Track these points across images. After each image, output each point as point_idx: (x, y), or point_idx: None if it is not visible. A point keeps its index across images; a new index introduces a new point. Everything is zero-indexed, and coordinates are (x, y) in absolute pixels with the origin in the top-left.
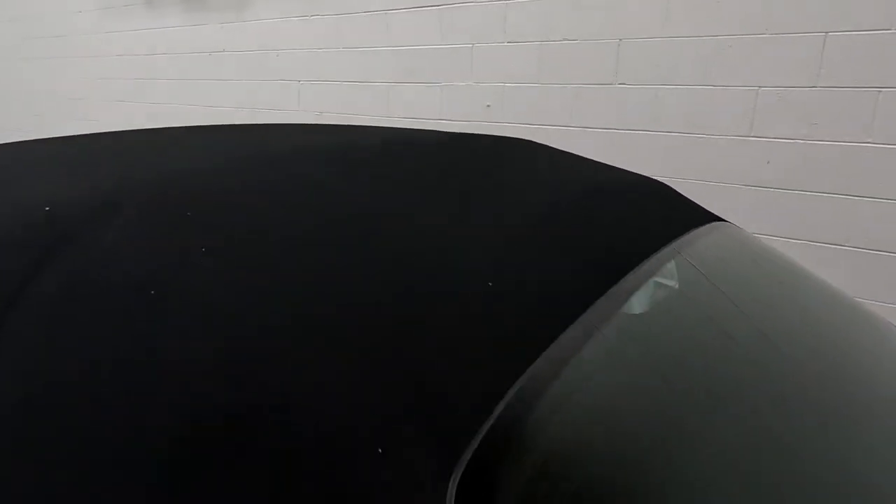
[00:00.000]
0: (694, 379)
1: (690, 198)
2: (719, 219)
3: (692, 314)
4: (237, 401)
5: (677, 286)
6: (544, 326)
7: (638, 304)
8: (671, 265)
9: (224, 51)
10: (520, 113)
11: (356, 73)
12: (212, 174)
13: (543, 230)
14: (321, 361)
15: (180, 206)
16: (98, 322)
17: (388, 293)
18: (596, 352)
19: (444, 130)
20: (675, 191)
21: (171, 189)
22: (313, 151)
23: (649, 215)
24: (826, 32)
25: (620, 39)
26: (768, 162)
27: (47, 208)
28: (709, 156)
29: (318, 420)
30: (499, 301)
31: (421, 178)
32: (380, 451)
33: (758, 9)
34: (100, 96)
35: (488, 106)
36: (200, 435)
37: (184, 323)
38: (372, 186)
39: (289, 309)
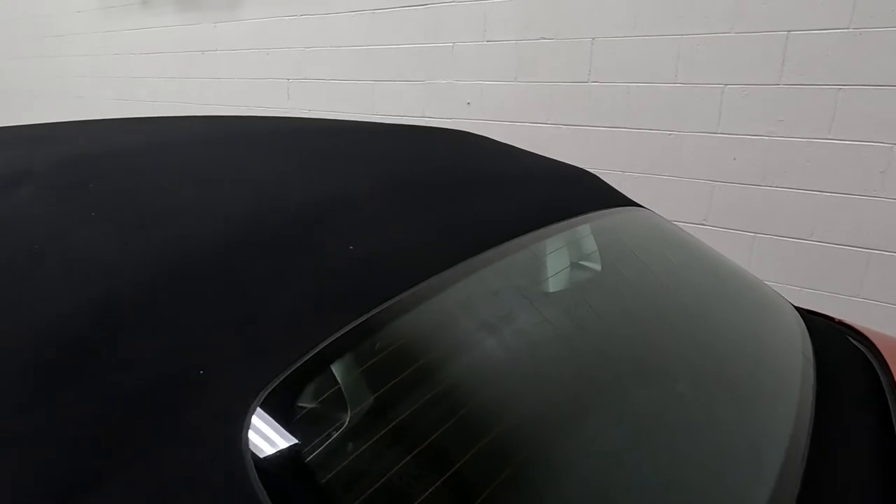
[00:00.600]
0: (525, 344)
1: (660, 192)
2: (638, 205)
3: (597, 288)
4: (78, 333)
5: (571, 257)
6: (388, 284)
7: (519, 268)
8: (568, 237)
9: (217, 49)
10: (498, 110)
11: (343, 72)
12: (115, 156)
13: (430, 201)
14: (174, 299)
15: (84, 179)
16: None
17: (248, 233)
18: (433, 308)
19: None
20: (600, 179)
21: (78, 164)
22: (213, 137)
23: (560, 194)
24: (788, 31)
25: (594, 38)
26: (735, 158)
27: None
28: (678, 152)
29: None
30: (353, 259)
31: (324, 154)
32: (201, 372)
33: (724, 9)
34: (97, 94)
35: (468, 104)
36: (47, 360)
37: (54, 268)
38: (263, 161)
39: (149, 255)
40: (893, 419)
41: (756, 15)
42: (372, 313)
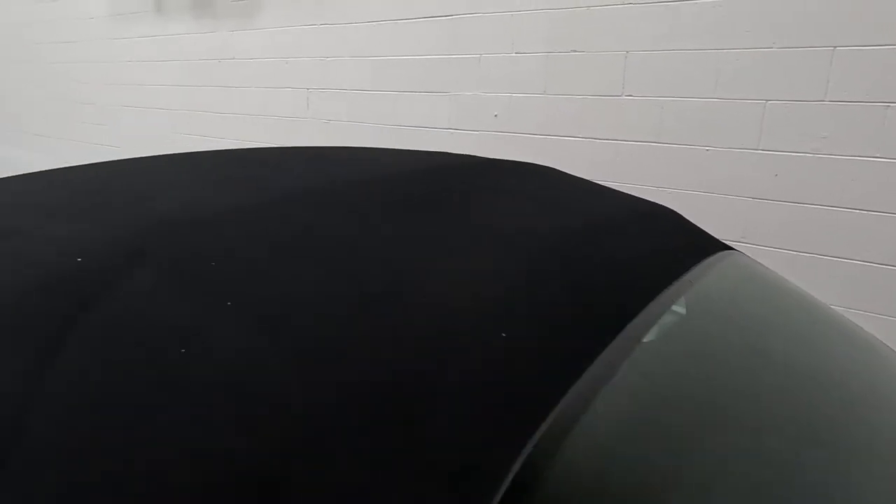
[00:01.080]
0: (714, 416)
1: (695, 209)
2: (727, 247)
3: (705, 348)
4: (262, 459)
5: (688, 319)
6: (556, 377)
7: (651, 341)
8: (683, 299)
9: (234, 58)
10: (527, 123)
11: (365, 82)
12: (228, 220)
13: (552, 269)
14: (335, 423)
15: (203, 258)
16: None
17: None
18: (613, 398)
19: (464, 154)
20: (683, 218)
21: (191, 239)
22: (322, 193)
23: (660, 246)
24: (834, 47)
25: (627, 52)
26: (776, 175)
27: (79, 259)
28: (715, 169)
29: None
30: (512, 352)
31: (438, 214)
32: None
33: (766, 22)
34: (110, 102)
35: (496, 116)
36: (220, 486)
37: (210, 376)
38: (381, 233)
39: (315, 371)
40: None
41: (800, 30)
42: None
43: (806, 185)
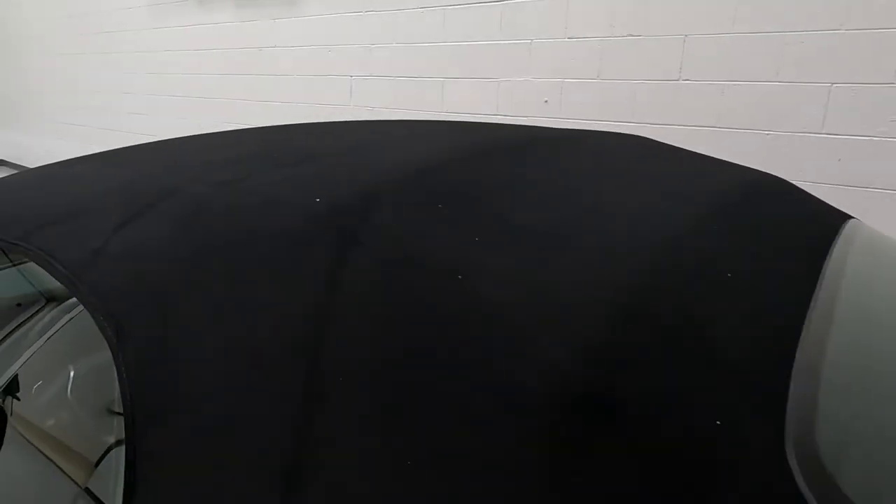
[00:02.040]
0: None
1: None
2: (851, 216)
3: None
4: (598, 393)
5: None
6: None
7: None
8: (843, 266)
9: (276, 46)
10: (579, 109)
11: (410, 69)
12: (444, 169)
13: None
14: (662, 366)
15: (430, 200)
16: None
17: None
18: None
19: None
20: (798, 188)
21: (416, 184)
22: (511, 147)
23: (800, 214)
24: None
25: (686, 35)
26: (839, 160)
27: (317, 200)
28: (777, 154)
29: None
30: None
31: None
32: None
33: (832, 3)
34: (150, 91)
35: (546, 102)
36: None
37: (488, 301)
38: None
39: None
40: None
41: (868, 11)
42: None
43: (870, 169)
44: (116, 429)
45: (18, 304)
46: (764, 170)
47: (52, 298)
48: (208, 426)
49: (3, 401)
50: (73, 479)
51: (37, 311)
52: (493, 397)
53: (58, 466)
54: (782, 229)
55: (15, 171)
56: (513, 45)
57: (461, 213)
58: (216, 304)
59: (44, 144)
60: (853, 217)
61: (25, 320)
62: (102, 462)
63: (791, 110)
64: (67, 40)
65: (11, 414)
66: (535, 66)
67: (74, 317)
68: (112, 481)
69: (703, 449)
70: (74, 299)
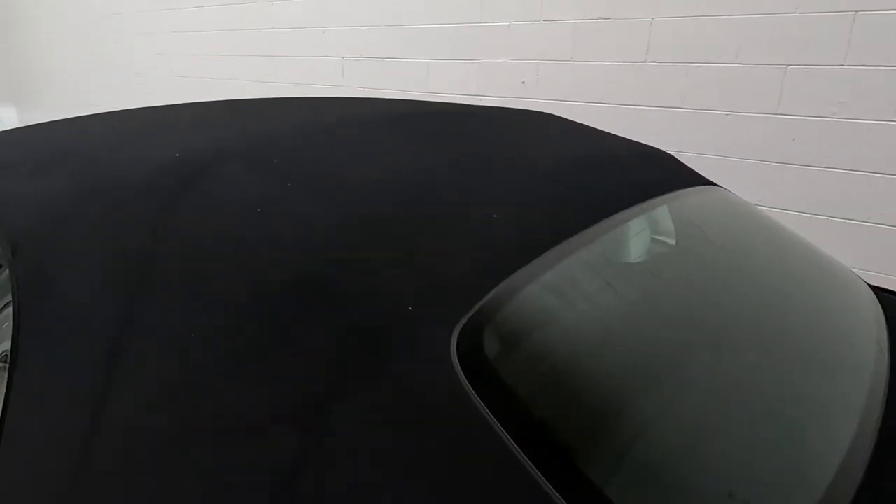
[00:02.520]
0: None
1: (716, 173)
2: (714, 184)
3: (664, 256)
4: (307, 278)
5: (657, 233)
6: (530, 246)
7: (619, 243)
8: (654, 214)
9: (273, 28)
10: (554, 89)
11: (398, 51)
12: (283, 137)
13: (543, 182)
14: (373, 254)
15: (268, 158)
16: (223, 228)
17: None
18: (571, 266)
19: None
20: (676, 158)
21: (259, 147)
22: (359, 120)
23: (643, 175)
24: (856, 11)
25: (653, 18)
26: (794, 139)
27: (177, 154)
28: (735, 133)
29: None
30: (500, 224)
31: (453, 140)
32: (410, 308)
33: None
34: (156, 72)
35: (523, 83)
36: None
37: (279, 228)
38: (413, 142)
39: (349, 215)
40: None
41: None
42: (533, 261)
43: (822, 148)
44: None
45: None
46: (722, 149)
47: None
48: (74, 317)
49: None
50: None
51: None
52: (248, 285)
53: None
54: (602, 185)
55: None
56: (492, 26)
57: (285, 168)
58: (86, 231)
59: None
60: (717, 185)
61: None
62: None
63: (749, 91)
64: (78, 19)
65: None
66: (513, 47)
67: None
68: None
69: (392, 327)
70: None
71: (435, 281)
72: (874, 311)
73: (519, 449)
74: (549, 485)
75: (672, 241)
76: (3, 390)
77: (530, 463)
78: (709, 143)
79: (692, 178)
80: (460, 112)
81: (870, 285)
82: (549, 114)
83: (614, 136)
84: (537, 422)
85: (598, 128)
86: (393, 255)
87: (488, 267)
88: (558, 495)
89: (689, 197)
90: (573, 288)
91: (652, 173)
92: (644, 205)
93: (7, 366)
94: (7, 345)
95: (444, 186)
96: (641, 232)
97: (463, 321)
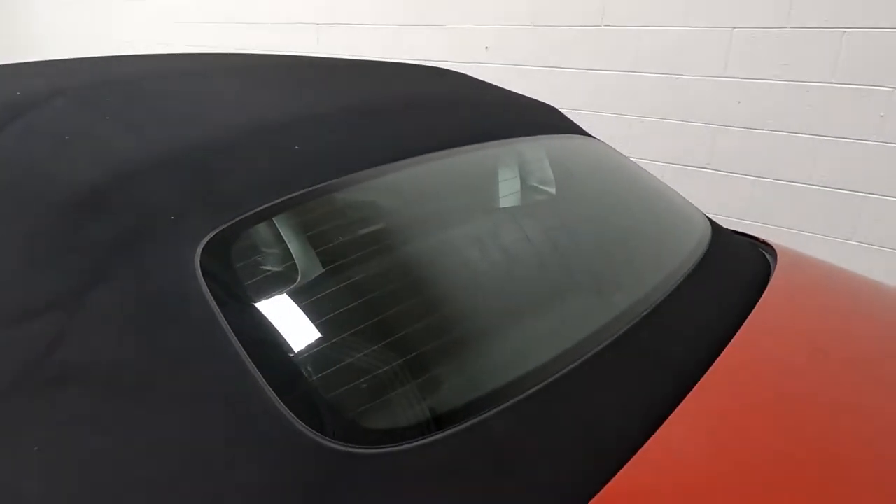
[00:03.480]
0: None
1: (665, 136)
2: (591, 136)
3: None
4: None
5: (504, 170)
6: (319, 174)
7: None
8: (506, 151)
9: None
10: (515, 55)
11: (371, 16)
12: (129, 80)
13: (381, 118)
14: (156, 173)
15: (101, 97)
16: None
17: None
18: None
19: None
20: (562, 113)
21: (96, 87)
22: (220, 69)
23: (512, 119)
24: None
25: None
26: (739, 102)
27: (18, 93)
28: (684, 96)
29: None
30: (297, 153)
31: (294, 82)
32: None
33: None
34: (146, 40)
35: (486, 48)
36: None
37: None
38: (242, 86)
39: (150, 140)
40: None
41: None
42: (313, 188)
43: (765, 110)
44: None
45: None
46: (671, 113)
47: None
48: None
49: None
50: None
51: None
52: (37, 195)
53: None
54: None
55: None
56: None
57: (113, 105)
58: None
59: None
60: (595, 138)
61: None
62: None
63: (697, 54)
64: None
65: None
66: (478, 12)
67: None
68: None
69: (155, 231)
70: None
71: (205, 197)
72: (699, 235)
73: (246, 355)
74: (268, 387)
75: (522, 180)
76: None
77: (254, 367)
78: (660, 107)
79: (570, 128)
80: (347, 65)
81: (740, 232)
82: (454, 72)
83: (508, 91)
84: (265, 333)
85: (551, 96)
86: (174, 175)
87: (263, 188)
88: (276, 397)
89: (552, 142)
90: (344, 216)
91: (524, 119)
92: (500, 142)
93: None
94: None
95: (263, 125)
96: (491, 166)
97: (213, 233)
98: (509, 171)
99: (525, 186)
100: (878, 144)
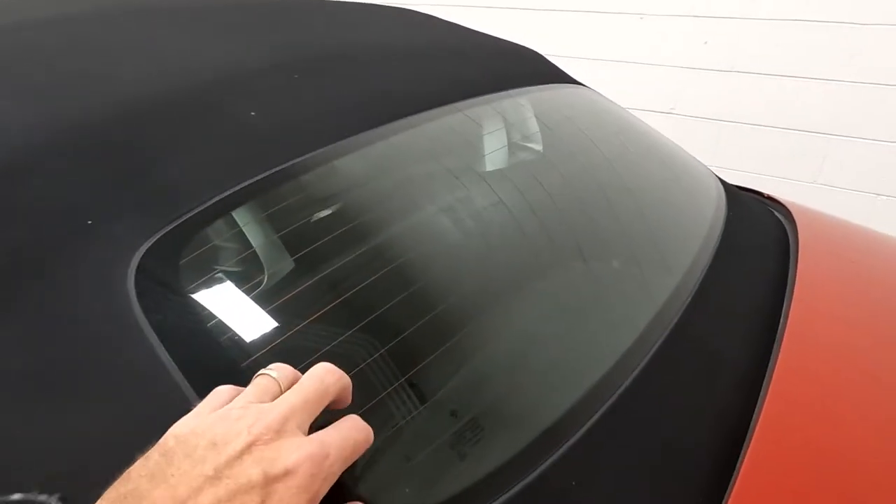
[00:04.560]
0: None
1: (630, 79)
2: (580, 84)
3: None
4: None
5: (501, 129)
6: (285, 149)
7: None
8: (500, 108)
9: None
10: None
11: None
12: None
13: (345, 71)
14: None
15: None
16: None
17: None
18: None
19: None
20: (544, 57)
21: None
22: (157, 10)
23: (498, 68)
24: None
25: None
26: (706, 42)
27: None
28: (651, 38)
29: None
30: (253, 124)
31: (237, 27)
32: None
33: None
34: None
35: None
36: None
37: None
38: (170, 33)
39: (44, 116)
40: (790, 276)
41: None
42: (264, 175)
43: (732, 52)
44: None
45: None
46: (640, 56)
47: None
48: None
49: None
50: None
51: None
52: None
53: None
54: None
55: None
56: None
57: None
58: None
59: None
60: (582, 84)
61: None
62: None
63: None
64: None
65: None
66: None
67: None
68: None
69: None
70: None
71: (135, 192)
72: (716, 197)
73: (190, 388)
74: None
75: (522, 138)
76: None
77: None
78: (624, 49)
79: (556, 76)
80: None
81: (728, 183)
82: (417, 12)
83: (481, 33)
84: (210, 371)
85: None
86: (83, 161)
87: (213, 175)
88: None
89: (546, 93)
90: (310, 203)
91: (509, 67)
92: (490, 97)
93: None
94: None
95: (204, 84)
96: (485, 126)
97: (151, 241)
98: (504, 133)
99: (521, 149)
100: (844, 84)
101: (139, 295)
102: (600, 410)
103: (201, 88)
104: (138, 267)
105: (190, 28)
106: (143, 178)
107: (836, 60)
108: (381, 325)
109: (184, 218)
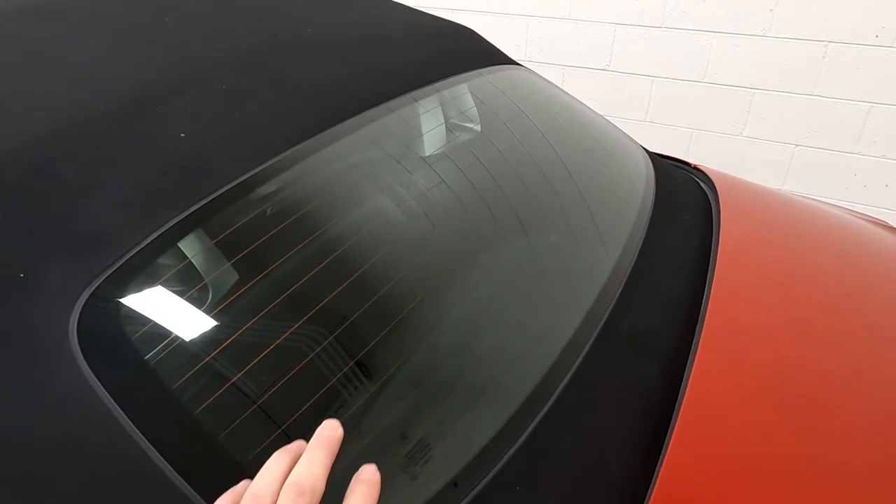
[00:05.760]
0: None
1: (564, 38)
2: (517, 64)
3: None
4: None
5: (445, 117)
6: (225, 170)
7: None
8: (442, 97)
9: None
10: None
11: None
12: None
13: (282, 71)
14: None
15: None
16: None
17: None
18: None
19: None
20: (479, 36)
21: None
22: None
23: (437, 54)
24: None
25: None
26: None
27: None
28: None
29: None
30: (186, 146)
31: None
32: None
33: None
34: None
35: None
36: None
37: None
38: (86, 39)
39: None
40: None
41: None
42: (207, 201)
43: (662, 8)
44: None
45: None
46: (575, 13)
47: None
48: None
49: None
50: None
51: None
52: None
53: None
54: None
55: None
56: None
57: None
58: None
59: None
60: (518, 64)
61: None
62: None
63: None
64: None
65: None
66: None
67: None
68: None
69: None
70: None
71: (64, 236)
72: (646, 171)
73: (162, 460)
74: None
75: (466, 124)
76: None
77: (171, 469)
78: (555, 6)
79: (493, 57)
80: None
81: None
82: None
83: (414, 11)
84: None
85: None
86: (5, 213)
87: (145, 207)
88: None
89: (485, 77)
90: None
91: (447, 52)
92: (432, 87)
93: None
94: None
95: (123, 96)
96: (429, 116)
97: (89, 291)
98: (444, 129)
99: (461, 137)
100: (767, 38)
101: (84, 351)
102: (539, 413)
103: (121, 111)
104: (80, 319)
105: (95, 34)
106: (71, 221)
107: (760, 15)
108: (332, 354)
109: (123, 260)
